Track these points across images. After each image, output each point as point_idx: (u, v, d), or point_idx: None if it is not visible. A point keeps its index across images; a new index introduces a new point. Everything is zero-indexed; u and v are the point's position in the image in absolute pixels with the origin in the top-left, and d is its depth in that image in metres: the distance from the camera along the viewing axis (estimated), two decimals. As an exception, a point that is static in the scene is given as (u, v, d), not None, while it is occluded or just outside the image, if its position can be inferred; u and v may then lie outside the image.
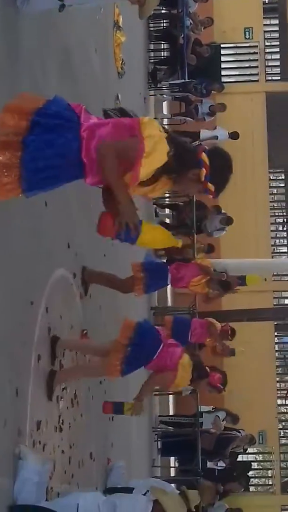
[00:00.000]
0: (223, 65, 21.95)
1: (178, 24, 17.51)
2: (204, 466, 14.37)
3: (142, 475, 10.86)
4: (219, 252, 17.94)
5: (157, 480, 7.33)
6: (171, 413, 16.80)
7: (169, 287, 12.30)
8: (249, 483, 18.90)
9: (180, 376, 6.69)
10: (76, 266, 7.60)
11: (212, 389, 9.09)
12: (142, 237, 7.61)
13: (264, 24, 22.96)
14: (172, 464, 16.78)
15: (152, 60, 17.92)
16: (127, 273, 8.94)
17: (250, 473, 18.72)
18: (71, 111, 3.99)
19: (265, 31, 22.98)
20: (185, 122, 18.14)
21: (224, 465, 15.55)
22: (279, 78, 23.48)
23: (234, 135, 18.76)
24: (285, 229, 24.83)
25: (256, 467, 21.47)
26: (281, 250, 24.55)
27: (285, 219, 24.78)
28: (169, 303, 17.14)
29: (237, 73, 23.36)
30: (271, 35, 23.87)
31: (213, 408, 15.78)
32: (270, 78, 23.19)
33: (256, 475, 22.03)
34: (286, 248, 24.52)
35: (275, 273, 21.50)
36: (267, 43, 23.21)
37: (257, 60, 22.39)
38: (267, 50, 23.16)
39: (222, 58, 21.92)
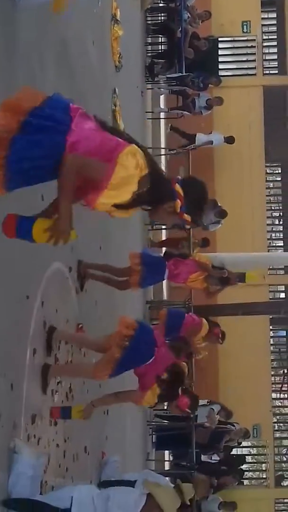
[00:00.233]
0: (220, 59, 21.95)
1: (176, 17, 17.50)
2: (198, 460, 14.42)
3: (136, 468, 10.88)
4: (215, 246, 17.96)
5: (151, 473, 7.33)
6: (165, 407, 16.82)
7: (164, 281, 12.30)
8: (243, 477, 18.95)
9: (148, 396, 6.68)
10: (72, 259, 7.60)
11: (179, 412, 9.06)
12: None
13: (262, 18, 22.94)
14: (166, 458, 16.83)
15: (150, 54, 17.91)
16: (123, 265, 8.95)
17: (244, 467, 18.78)
18: (66, 114, 3.94)
19: (263, 25, 22.97)
20: (182, 115, 18.16)
21: (218, 458, 15.60)
22: (276, 72, 23.49)
23: (229, 140, 18.89)
24: (281, 223, 24.85)
25: (250, 460, 21.55)
26: (277, 244, 24.59)
27: (281, 213, 24.80)
28: (165, 297, 17.17)
29: (235, 66, 23.35)
30: (269, 28, 23.87)
31: (208, 402, 15.81)
32: (267, 72, 23.20)
33: (250, 469, 22.11)
34: (282, 242, 24.55)
35: (271, 267, 21.55)
36: (264, 37, 23.20)
37: (254, 53, 22.38)
38: (265, 44, 23.16)
39: (220, 52, 21.92)
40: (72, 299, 7.60)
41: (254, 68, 22.34)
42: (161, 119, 18.69)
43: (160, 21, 18.40)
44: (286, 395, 23.36)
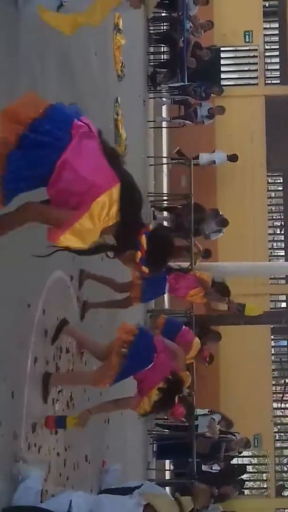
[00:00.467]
0: (222, 68, 21.97)
1: (178, 27, 17.50)
2: (198, 469, 14.38)
3: (137, 477, 10.85)
4: (216, 255, 17.95)
5: (153, 485, 7.28)
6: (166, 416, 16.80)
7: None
8: (244, 486, 18.89)
9: (144, 403, 6.67)
10: (73, 268, 7.60)
11: (173, 419, 9.04)
12: None
13: (264, 28, 22.97)
14: (167, 467, 16.79)
15: (152, 63, 17.92)
16: (124, 277, 8.93)
17: (245, 476, 18.73)
18: (67, 131, 3.88)
19: (265, 35, 22.99)
20: (184, 125, 18.17)
21: (218, 468, 15.56)
22: (278, 81, 23.53)
23: (233, 158, 18.95)
24: (282, 232, 24.85)
25: (251, 470, 21.49)
26: (278, 254, 24.58)
27: (282, 222, 24.81)
28: (166, 306, 17.16)
29: (237, 76, 23.39)
30: (271, 38, 23.90)
31: (209, 411, 15.78)
32: (269, 82, 23.22)
33: (251, 478, 22.05)
34: (284, 251, 24.54)
35: (272, 276, 21.54)
36: (266, 47, 23.22)
37: (256, 63, 22.39)
38: (267, 54, 23.19)
39: (222, 61, 21.93)
40: (73, 308, 7.60)
41: (256, 77, 22.36)
42: (163, 128, 18.71)
43: (162, 30, 18.40)
44: (287, 405, 23.32)
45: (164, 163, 18.28)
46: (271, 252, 23.20)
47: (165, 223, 17.08)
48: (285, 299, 23.37)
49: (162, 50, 18.83)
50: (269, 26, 23.69)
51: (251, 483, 22.63)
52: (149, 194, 16.19)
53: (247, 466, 20.14)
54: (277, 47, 23.75)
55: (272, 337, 21.49)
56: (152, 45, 18.13)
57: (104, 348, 6.73)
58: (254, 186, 20.97)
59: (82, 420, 6.58)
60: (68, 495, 5.38)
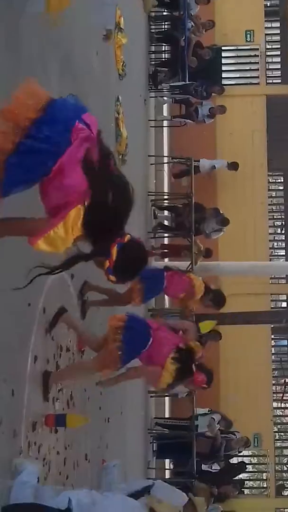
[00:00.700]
0: (223, 68, 21.94)
1: (180, 26, 17.52)
2: (198, 469, 14.40)
3: (137, 476, 10.86)
4: (217, 255, 17.94)
5: (163, 484, 7.15)
6: (167, 415, 16.81)
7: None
8: (244, 486, 18.89)
9: (164, 377, 6.66)
10: (73, 267, 7.58)
11: (195, 388, 8.97)
12: None
13: (266, 27, 22.96)
14: (167, 466, 16.79)
15: (153, 62, 17.92)
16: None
17: (245, 476, 18.73)
18: (66, 136, 3.78)
19: (266, 34, 22.99)
20: (185, 124, 18.18)
21: (218, 467, 15.58)
22: (279, 81, 23.52)
23: (234, 166, 19.00)
24: (283, 232, 24.85)
25: (250, 469, 21.48)
26: (279, 253, 24.58)
27: (283, 222, 24.80)
28: (166, 305, 17.15)
29: (238, 75, 23.36)
30: (272, 38, 23.90)
31: (209, 411, 15.80)
32: (270, 81, 23.22)
33: (251, 478, 22.05)
34: (284, 251, 24.54)
35: (272, 276, 21.54)
36: (268, 46, 23.21)
37: (257, 63, 22.37)
38: (268, 53, 23.17)
39: (223, 61, 21.91)
40: (74, 306, 7.60)
41: (257, 77, 22.34)
42: (164, 127, 18.70)
43: (163, 29, 18.41)
44: (287, 405, 23.32)
45: (165, 162, 18.28)
46: (272, 252, 23.19)
47: (165, 222, 17.09)
48: (285, 298, 23.37)
49: (163, 49, 18.83)
50: (270, 26, 23.68)
51: (251, 482, 22.62)
52: (150, 193, 16.20)
53: (247, 466, 20.10)
54: (278, 46, 23.76)
55: (272, 336, 21.49)
56: (153, 44, 18.13)
57: (100, 339, 6.73)
58: (255, 186, 20.97)
59: (107, 384, 6.84)
60: (67, 493, 5.38)
